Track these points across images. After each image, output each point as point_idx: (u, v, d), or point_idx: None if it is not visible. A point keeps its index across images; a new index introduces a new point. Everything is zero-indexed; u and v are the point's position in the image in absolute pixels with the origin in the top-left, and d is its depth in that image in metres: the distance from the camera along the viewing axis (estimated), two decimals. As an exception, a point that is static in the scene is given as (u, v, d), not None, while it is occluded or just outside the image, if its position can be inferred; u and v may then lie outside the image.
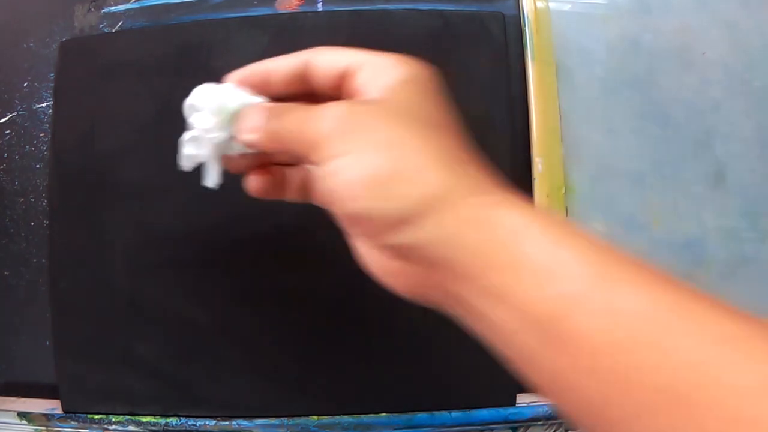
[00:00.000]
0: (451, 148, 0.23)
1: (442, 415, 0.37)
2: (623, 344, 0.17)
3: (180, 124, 0.30)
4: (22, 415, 0.38)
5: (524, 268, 0.19)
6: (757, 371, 0.16)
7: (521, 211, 0.20)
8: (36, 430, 0.38)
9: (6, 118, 0.40)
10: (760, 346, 0.16)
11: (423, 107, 0.24)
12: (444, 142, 0.23)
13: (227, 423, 0.37)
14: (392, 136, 0.22)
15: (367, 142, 0.22)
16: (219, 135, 0.24)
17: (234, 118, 0.24)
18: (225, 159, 0.25)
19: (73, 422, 0.38)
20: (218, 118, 0.24)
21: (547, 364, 0.19)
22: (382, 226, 0.22)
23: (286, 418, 0.37)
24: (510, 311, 0.19)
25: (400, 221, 0.21)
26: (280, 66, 0.26)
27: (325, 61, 0.25)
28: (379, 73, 0.24)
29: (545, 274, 0.19)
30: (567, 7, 0.40)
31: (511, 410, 0.37)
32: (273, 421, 0.37)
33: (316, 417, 0.37)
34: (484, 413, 0.37)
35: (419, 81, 0.24)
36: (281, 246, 0.37)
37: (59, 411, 0.38)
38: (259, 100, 0.24)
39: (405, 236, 0.21)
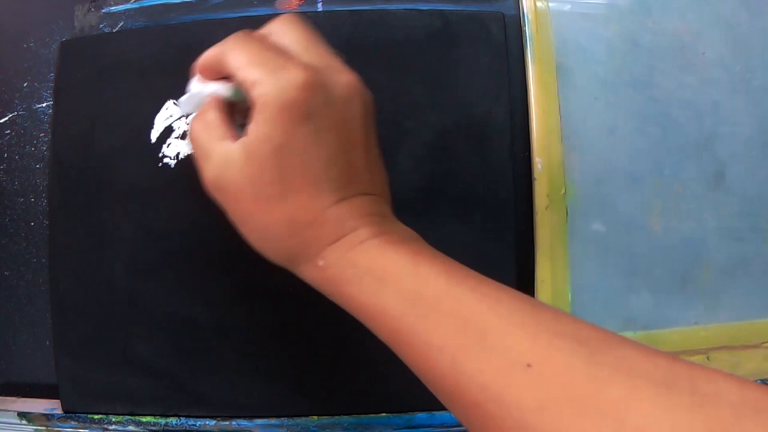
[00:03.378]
0: (302, 206, 0.27)
1: (442, 415, 0.37)
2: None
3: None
4: (22, 415, 0.38)
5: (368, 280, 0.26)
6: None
7: (361, 251, 0.26)
8: (36, 430, 0.38)
9: (6, 118, 0.40)
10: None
11: (290, 140, 0.26)
12: (298, 198, 0.27)
13: (227, 423, 0.38)
14: (251, 208, 0.27)
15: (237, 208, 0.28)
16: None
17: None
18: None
19: (73, 422, 0.38)
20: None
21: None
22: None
23: (286, 418, 0.37)
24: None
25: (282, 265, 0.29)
26: (209, 59, 0.29)
27: (231, 68, 0.27)
28: (258, 102, 0.26)
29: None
30: (567, 7, 0.40)
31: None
32: (273, 421, 0.37)
33: (316, 417, 0.37)
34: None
35: (292, 106, 0.26)
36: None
37: (59, 411, 0.38)
38: (214, 87, 0.29)
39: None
